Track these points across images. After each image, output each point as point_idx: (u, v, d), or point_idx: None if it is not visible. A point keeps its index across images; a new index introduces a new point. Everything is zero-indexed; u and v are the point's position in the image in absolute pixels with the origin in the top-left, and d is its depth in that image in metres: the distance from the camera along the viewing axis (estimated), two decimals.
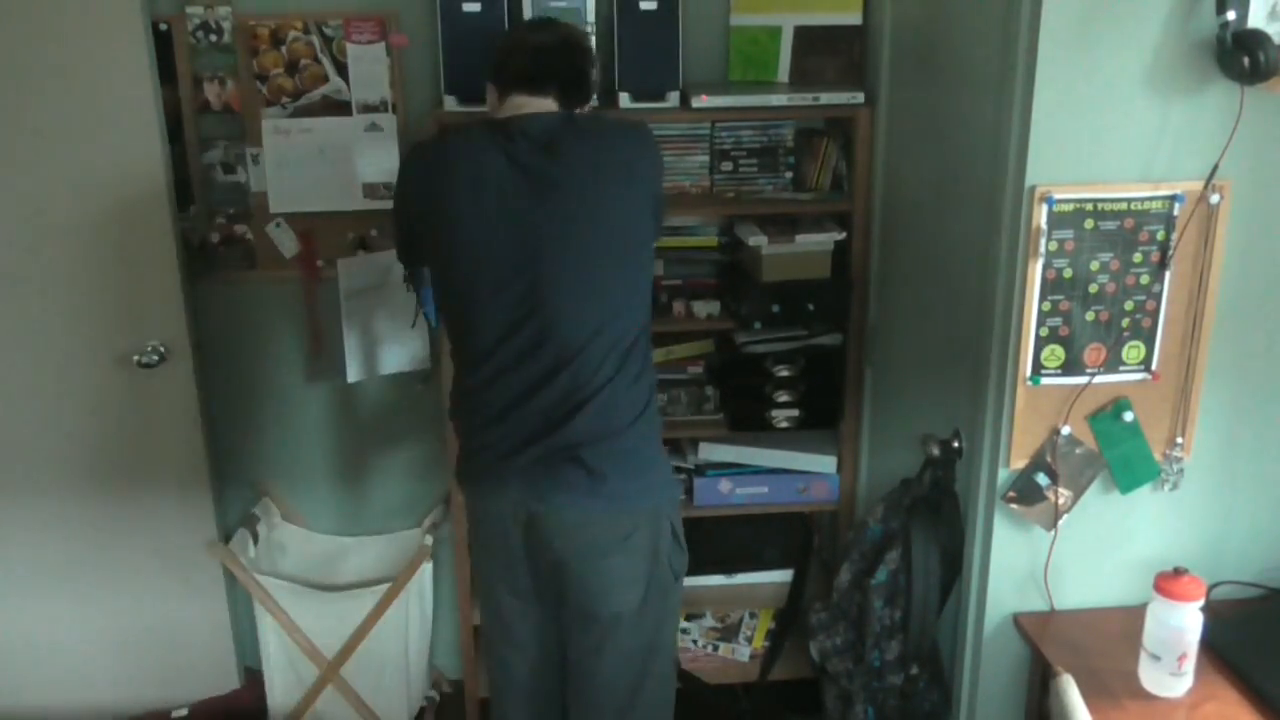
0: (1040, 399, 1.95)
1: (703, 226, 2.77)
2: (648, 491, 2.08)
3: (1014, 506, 2.01)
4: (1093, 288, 1.90)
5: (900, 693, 2.34)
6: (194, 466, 2.76)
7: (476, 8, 2.48)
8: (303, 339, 2.82)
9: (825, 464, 2.81)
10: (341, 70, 2.63)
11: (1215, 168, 1.83)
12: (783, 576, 2.93)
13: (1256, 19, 1.75)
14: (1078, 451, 1.98)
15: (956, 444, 2.18)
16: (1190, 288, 1.91)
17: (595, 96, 2.14)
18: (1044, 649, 1.97)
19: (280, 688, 2.84)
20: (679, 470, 2.81)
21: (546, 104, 2.03)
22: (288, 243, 2.75)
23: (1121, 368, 1.95)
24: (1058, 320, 1.91)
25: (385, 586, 2.75)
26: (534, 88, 2.03)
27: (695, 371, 2.81)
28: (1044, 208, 1.84)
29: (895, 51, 2.50)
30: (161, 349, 2.63)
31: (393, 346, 2.75)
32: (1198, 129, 1.83)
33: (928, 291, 2.41)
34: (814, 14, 2.64)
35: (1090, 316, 1.91)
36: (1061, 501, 2.00)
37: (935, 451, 2.22)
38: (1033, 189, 1.84)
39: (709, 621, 3.00)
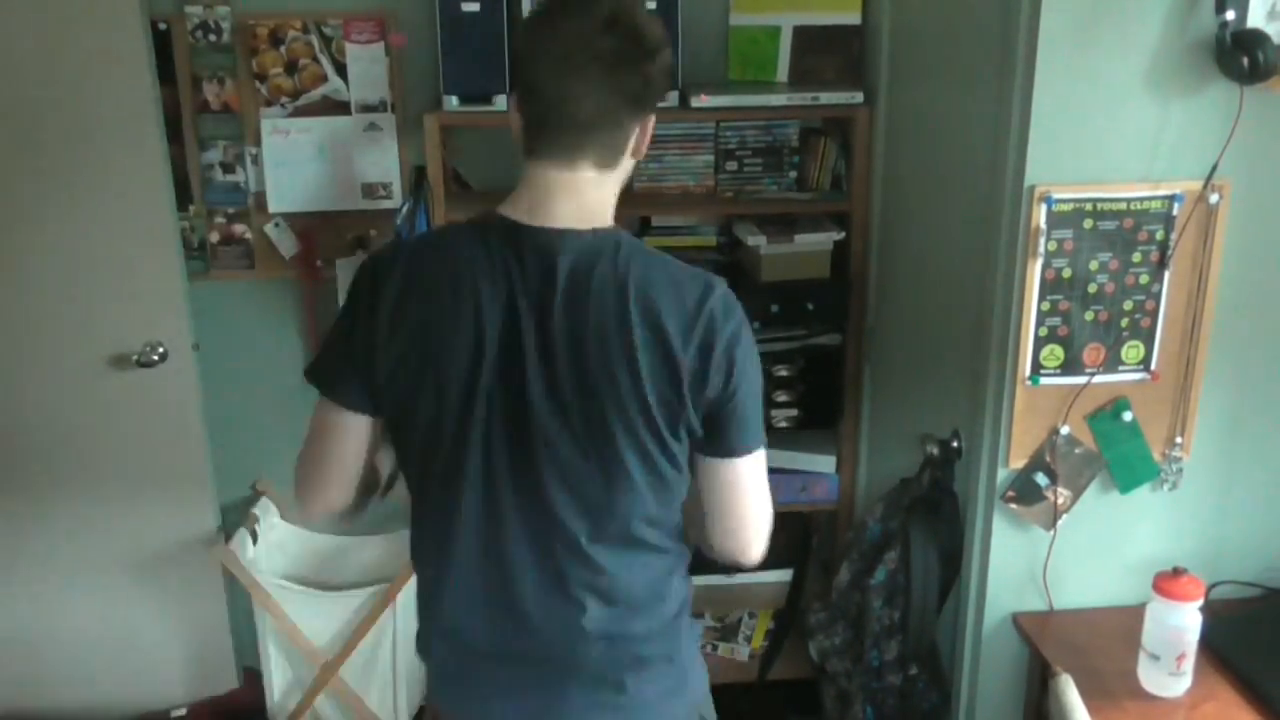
0: (1039, 399, 1.95)
1: (701, 226, 2.77)
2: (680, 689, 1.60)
3: (1013, 506, 2.01)
4: (1092, 287, 1.90)
5: (899, 692, 2.34)
6: (194, 466, 2.76)
7: (476, 8, 2.47)
8: (302, 339, 2.82)
9: (824, 464, 2.81)
10: (340, 70, 2.63)
11: (1214, 167, 1.83)
12: (782, 576, 2.93)
13: (1255, 19, 1.76)
14: (1077, 451, 1.98)
15: (955, 444, 2.18)
16: (1189, 287, 1.91)
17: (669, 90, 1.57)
18: (1043, 649, 1.97)
19: (279, 688, 2.84)
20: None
21: (580, 180, 1.41)
22: (287, 243, 2.75)
23: (1121, 367, 1.95)
24: (1057, 320, 1.91)
25: (384, 586, 2.75)
26: (566, 150, 1.40)
27: None
28: (1043, 207, 1.84)
29: (894, 51, 2.50)
30: (161, 349, 2.63)
31: None
32: (1197, 129, 1.83)
33: (926, 291, 2.41)
34: (813, 14, 2.64)
35: (1089, 316, 1.91)
36: (1060, 501, 2.00)
37: (934, 451, 2.22)
38: (1032, 189, 1.84)
39: (709, 621, 3.00)
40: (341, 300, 1.49)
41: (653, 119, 1.47)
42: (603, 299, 1.38)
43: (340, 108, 2.66)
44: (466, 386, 1.41)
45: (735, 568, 1.61)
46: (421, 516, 1.56)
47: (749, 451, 1.48)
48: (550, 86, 1.39)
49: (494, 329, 1.40)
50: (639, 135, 1.45)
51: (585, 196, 1.43)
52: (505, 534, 1.48)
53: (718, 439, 1.46)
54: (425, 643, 1.64)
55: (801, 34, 2.65)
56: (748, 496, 1.51)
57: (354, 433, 1.53)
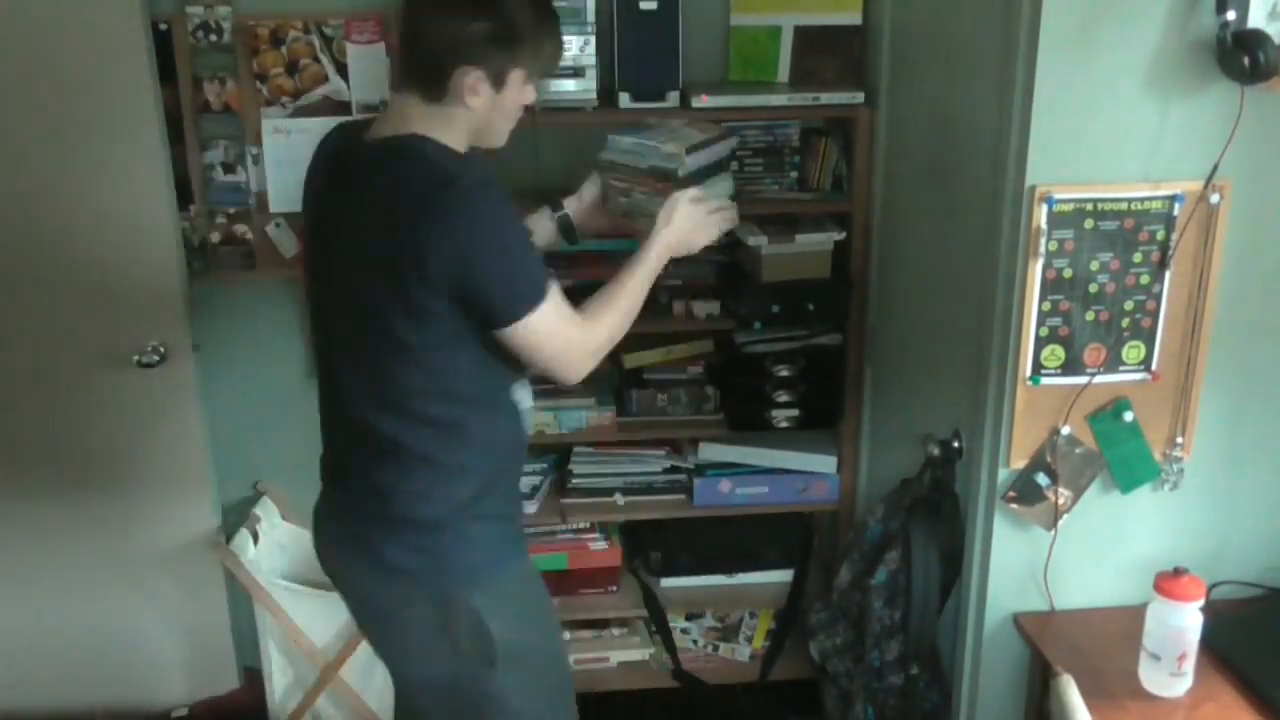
0: (1040, 399, 1.95)
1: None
2: (431, 567, 1.81)
3: (1014, 506, 2.01)
4: (1093, 288, 1.90)
5: (900, 693, 2.34)
6: (194, 466, 2.76)
7: None
8: (303, 339, 2.82)
9: (825, 464, 2.81)
10: (341, 70, 2.63)
11: (1215, 168, 1.83)
12: (783, 576, 2.93)
13: (1256, 19, 1.75)
14: (1077, 451, 1.98)
15: (956, 444, 2.18)
16: (1190, 287, 1.91)
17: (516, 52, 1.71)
18: (1044, 649, 1.97)
19: (280, 687, 2.84)
20: (679, 470, 2.81)
21: (406, 104, 1.73)
22: (287, 243, 2.75)
23: (1121, 368, 1.95)
24: (1058, 320, 1.91)
25: None
26: (401, 77, 1.77)
27: (695, 371, 2.81)
28: (1044, 208, 1.84)
29: (895, 51, 2.50)
30: (161, 349, 2.63)
31: None
32: (1198, 129, 1.83)
33: (928, 291, 2.41)
34: (814, 14, 2.64)
35: (1090, 316, 1.91)
36: (1061, 501, 2.00)
37: (935, 451, 2.22)
38: (1033, 189, 1.84)
39: (709, 621, 3.01)
40: None
41: (473, 73, 1.68)
42: (368, 184, 1.71)
43: (341, 108, 2.66)
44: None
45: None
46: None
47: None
48: (403, 26, 1.76)
49: (313, 208, 1.85)
50: (460, 84, 1.68)
51: (407, 118, 1.72)
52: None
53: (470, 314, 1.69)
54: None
55: (802, 34, 2.65)
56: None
57: None
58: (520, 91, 1.75)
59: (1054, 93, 1.78)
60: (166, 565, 2.82)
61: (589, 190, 2.08)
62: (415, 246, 1.62)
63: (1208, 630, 1.83)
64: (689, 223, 1.94)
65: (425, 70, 1.69)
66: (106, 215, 2.55)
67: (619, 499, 2.80)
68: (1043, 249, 1.86)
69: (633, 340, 2.71)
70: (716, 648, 2.98)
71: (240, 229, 2.73)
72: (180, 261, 2.62)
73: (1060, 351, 1.93)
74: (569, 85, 2.50)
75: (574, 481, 2.81)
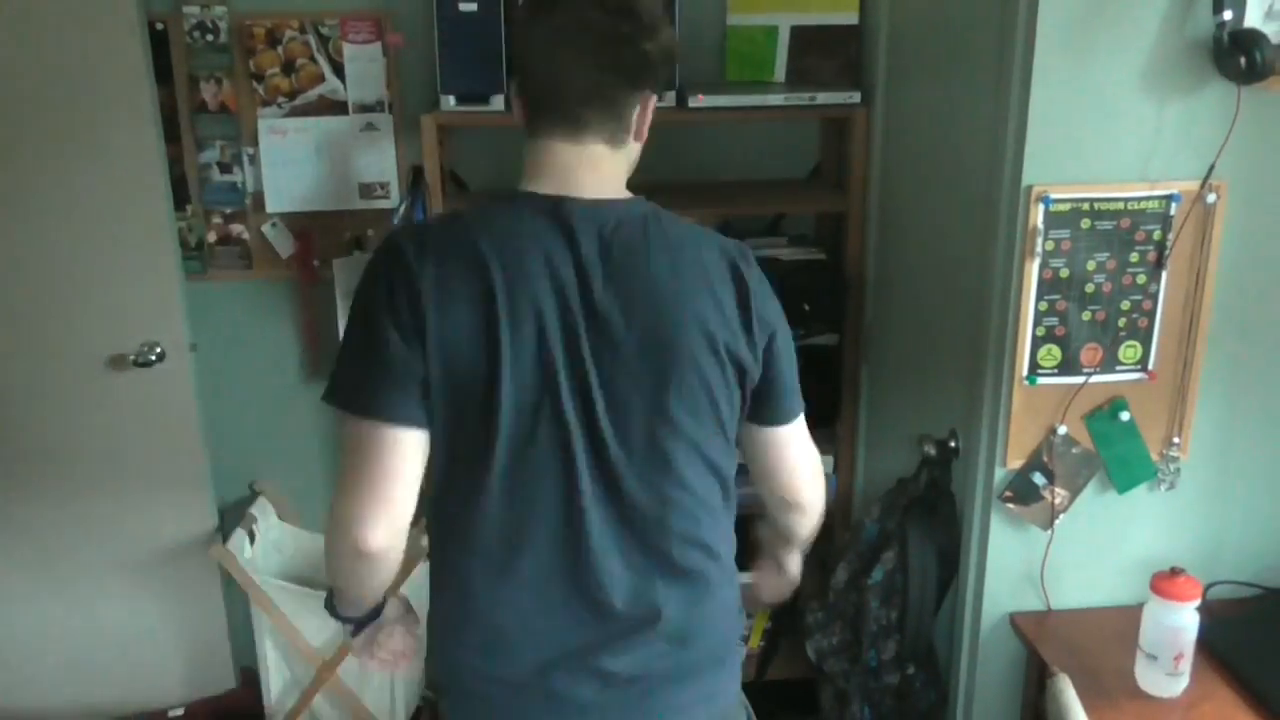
0: (1037, 399, 1.95)
1: (701, 226, 2.75)
2: None
3: (1010, 506, 2.01)
4: (1089, 287, 1.90)
5: (897, 692, 2.34)
6: (191, 467, 2.76)
7: (473, 7, 2.47)
8: (299, 339, 2.82)
9: (821, 464, 2.80)
10: (338, 70, 2.63)
11: (1212, 167, 1.84)
12: None
13: (1253, 18, 1.76)
14: (1074, 451, 1.98)
15: (953, 444, 2.18)
16: (1187, 287, 1.92)
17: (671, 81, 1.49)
18: (1040, 649, 1.97)
19: (276, 687, 2.83)
20: None
21: (595, 155, 1.40)
22: (284, 243, 2.74)
23: (1118, 367, 1.95)
24: (1054, 320, 1.91)
25: None
26: (569, 124, 1.38)
27: None
28: (1040, 207, 1.84)
29: (892, 51, 2.50)
30: (158, 349, 2.63)
31: None
32: (1194, 129, 1.83)
33: (924, 291, 2.41)
34: (811, 14, 2.64)
35: (1087, 316, 1.91)
36: (1058, 501, 2.00)
37: (931, 451, 2.22)
38: (1029, 189, 1.84)
39: None
40: (341, 301, 1.40)
41: (653, 99, 1.44)
42: (660, 261, 1.39)
43: (337, 107, 2.66)
44: (536, 363, 1.35)
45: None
46: (480, 516, 1.40)
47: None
48: (543, 65, 1.38)
49: (552, 302, 1.34)
50: (639, 115, 1.43)
51: (602, 170, 1.41)
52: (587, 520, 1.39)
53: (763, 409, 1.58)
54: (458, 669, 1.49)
55: (799, 34, 2.66)
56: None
57: (415, 450, 1.37)
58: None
59: (1050, 92, 1.79)
60: (163, 565, 2.81)
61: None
62: (739, 318, 1.47)
63: (1204, 630, 1.84)
64: None
65: (617, 107, 1.39)
66: (103, 215, 2.55)
67: None
68: (1039, 249, 1.86)
69: None
70: None
71: (236, 229, 2.73)
72: (177, 261, 2.62)
73: (1057, 351, 1.93)
74: None
75: None
